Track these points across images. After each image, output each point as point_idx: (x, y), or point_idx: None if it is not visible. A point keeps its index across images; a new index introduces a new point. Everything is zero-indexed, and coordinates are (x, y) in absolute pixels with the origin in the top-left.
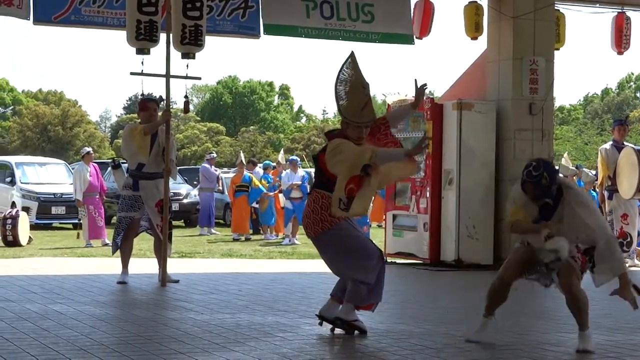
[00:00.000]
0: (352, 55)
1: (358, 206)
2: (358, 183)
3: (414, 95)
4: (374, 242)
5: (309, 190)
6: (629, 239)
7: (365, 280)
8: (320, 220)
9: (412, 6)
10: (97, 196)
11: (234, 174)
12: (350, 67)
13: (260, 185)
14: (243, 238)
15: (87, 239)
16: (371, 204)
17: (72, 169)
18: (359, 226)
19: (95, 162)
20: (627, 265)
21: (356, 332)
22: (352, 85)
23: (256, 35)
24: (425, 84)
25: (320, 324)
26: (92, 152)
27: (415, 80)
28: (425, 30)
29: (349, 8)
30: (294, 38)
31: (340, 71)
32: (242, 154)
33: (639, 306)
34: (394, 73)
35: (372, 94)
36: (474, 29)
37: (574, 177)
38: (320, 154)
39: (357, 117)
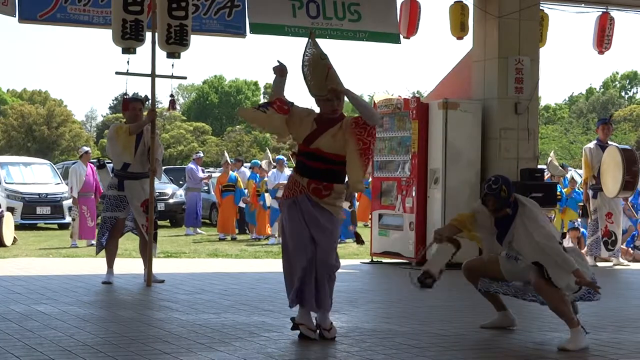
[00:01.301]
0: (311, 34)
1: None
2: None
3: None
4: (306, 242)
5: None
6: (613, 238)
7: (284, 275)
8: (285, 188)
9: (398, 6)
10: (92, 196)
11: (220, 174)
12: (311, 47)
13: (244, 188)
14: (229, 238)
15: (77, 238)
16: (357, 204)
17: (58, 169)
18: (322, 221)
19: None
20: (583, 262)
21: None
22: (312, 62)
23: (242, 34)
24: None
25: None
26: (90, 151)
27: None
28: (412, 29)
29: (335, 7)
30: (280, 38)
31: (303, 54)
32: (226, 154)
33: (600, 287)
34: (381, 72)
35: (359, 92)
36: (459, 28)
37: (561, 177)
38: None
39: (323, 90)
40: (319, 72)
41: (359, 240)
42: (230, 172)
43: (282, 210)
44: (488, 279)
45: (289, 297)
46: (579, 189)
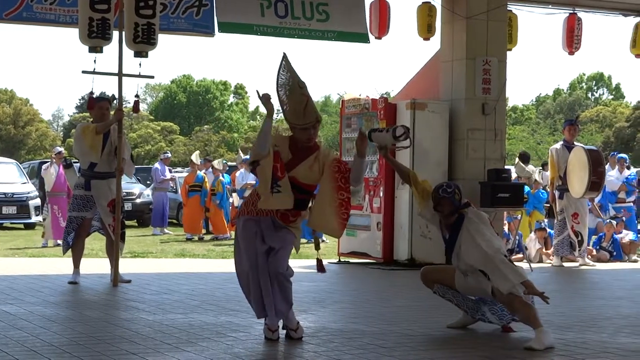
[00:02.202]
0: (284, 57)
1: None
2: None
3: (355, 144)
4: (261, 257)
5: None
6: (580, 238)
7: (242, 289)
8: (248, 204)
9: (368, 6)
10: (65, 196)
11: (187, 174)
12: (285, 70)
13: (206, 188)
14: (196, 238)
15: (49, 238)
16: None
17: (25, 168)
18: (281, 234)
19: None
20: (527, 273)
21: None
22: (290, 89)
23: (211, 33)
24: (364, 133)
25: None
26: (63, 151)
27: (360, 129)
28: (383, 29)
29: (304, 7)
30: (249, 38)
31: (277, 76)
32: (194, 154)
33: (549, 298)
34: (349, 72)
35: (327, 93)
36: (426, 30)
37: (528, 179)
38: None
39: (301, 119)
40: (296, 100)
41: (321, 267)
42: (198, 171)
43: (238, 223)
44: (444, 286)
45: (254, 310)
46: (545, 189)
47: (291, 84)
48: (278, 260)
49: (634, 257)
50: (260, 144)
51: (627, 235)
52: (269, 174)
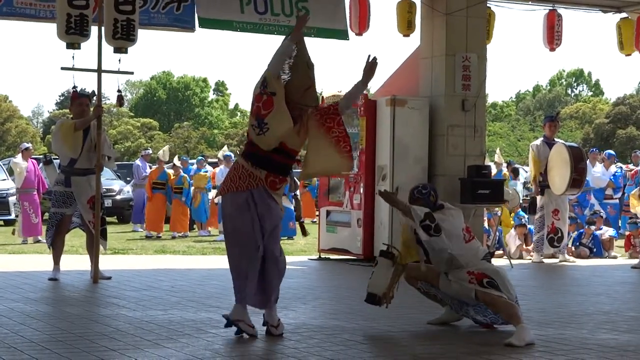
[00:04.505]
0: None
1: (274, 125)
2: (266, 103)
3: (364, 69)
4: (257, 236)
5: None
6: (559, 235)
7: (231, 271)
8: (224, 181)
9: (347, 2)
10: (34, 192)
11: (152, 170)
12: (304, 51)
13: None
14: (155, 236)
15: (22, 235)
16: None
17: (4, 164)
18: (274, 213)
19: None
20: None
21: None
22: (296, 61)
23: (191, 28)
24: (375, 58)
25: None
26: (31, 147)
27: (369, 55)
28: (363, 26)
29: (283, 3)
30: (229, 34)
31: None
32: (161, 151)
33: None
34: (329, 69)
35: None
36: (406, 26)
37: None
38: None
39: (299, 98)
40: (300, 79)
41: (304, 231)
42: (165, 168)
43: (224, 202)
44: (428, 283)
45: (240, 294)
46: (529, 186)
47: (298, 57)
48: (274, 239)
49: (614, 254)
50: (275, 64)
51: (606, 232)
52: (283, 104)
